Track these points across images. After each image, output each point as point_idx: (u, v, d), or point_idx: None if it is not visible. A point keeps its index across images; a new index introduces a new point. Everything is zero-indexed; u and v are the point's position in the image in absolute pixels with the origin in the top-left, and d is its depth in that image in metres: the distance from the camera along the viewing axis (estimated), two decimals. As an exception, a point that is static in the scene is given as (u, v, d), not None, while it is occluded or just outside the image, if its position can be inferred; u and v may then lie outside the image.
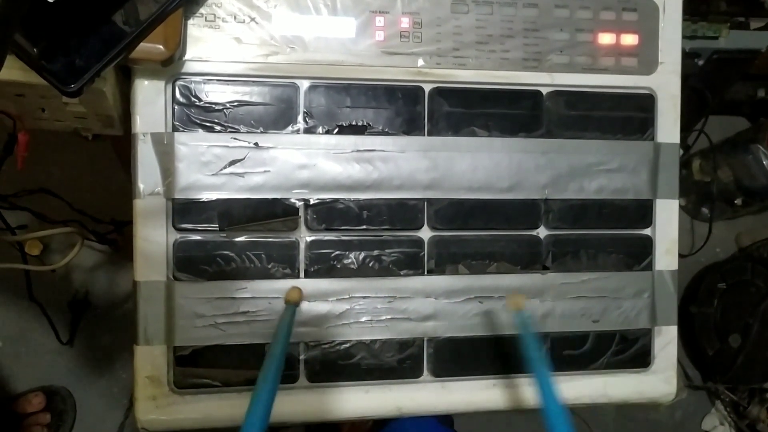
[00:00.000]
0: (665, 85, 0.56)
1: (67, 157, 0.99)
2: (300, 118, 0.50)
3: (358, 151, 0.51)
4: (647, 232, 0.56)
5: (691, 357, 1.23)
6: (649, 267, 0.56)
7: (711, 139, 1.07)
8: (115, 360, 1.03)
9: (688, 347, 1.21)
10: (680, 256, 0.57)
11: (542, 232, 0.54)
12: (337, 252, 0.51)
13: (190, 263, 0.49)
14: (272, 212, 0.50)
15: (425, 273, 0.53)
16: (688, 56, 0.90)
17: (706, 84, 0.96)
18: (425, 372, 0.53)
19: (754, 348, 1.12)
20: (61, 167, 0.99)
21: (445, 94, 0.52)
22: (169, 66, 0.47)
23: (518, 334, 0.50)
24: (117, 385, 1.03)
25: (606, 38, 0.54)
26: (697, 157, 1.19)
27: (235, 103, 0.49)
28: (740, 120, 1.23)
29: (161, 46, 0.44)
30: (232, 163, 0.49)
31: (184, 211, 0.49)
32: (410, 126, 0.52)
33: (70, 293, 1.02)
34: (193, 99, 0.49)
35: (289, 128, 0.50)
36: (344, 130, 0.51)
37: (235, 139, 0.49)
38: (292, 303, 0.49)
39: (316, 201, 0.51)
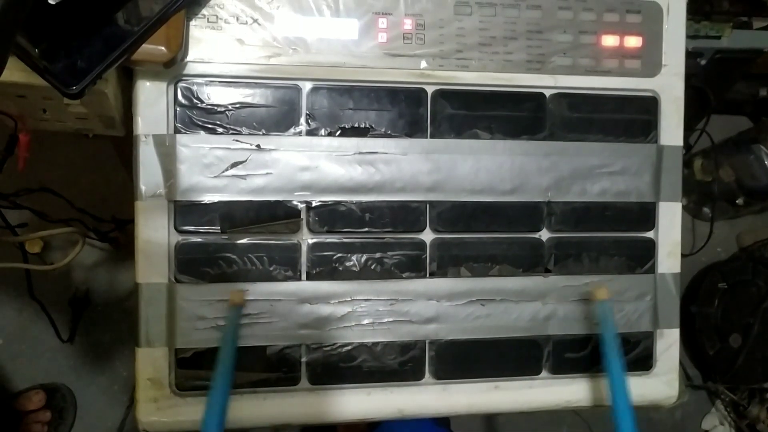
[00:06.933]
0: (669, 87, 0.55)
1: (68, 155, 0.99)
2: (302, 120, 0.50)
3: (361, 153, 0.51)
4: (650, 234, 0.56)
5: (692, 356, 1.23)
6: (652, 270, 0.56)
7: (713, 138, 1.07)
8: (115, 357, 1.04)
9: (689, 347, 1.22)
10: (681, 255, 0.57)
11: (544, 234, 0.54)
12: (339, 254, 0.51)
13: (192, 265, 0.49)
14: (274, 214, 0.50)
15: (427, 275, 0.52)
16: (690, 56, 0.90)
17: (708, 83, 0.96)
18: (427, 374, 0.53)
19: (754, 348, 1.12)
20: (62, 165, 0.99)
21: (447, 96, 0.52)
22: (171, 67, 0.46)
23: (599, 330, 0.51)
24: (117, 382, 1.03)
25: (609, 40, 0.54)
26: (699, 157, 1.19)
27: (237, 105, 0.49)
28: (742, 119, 1.23)
29: (163, 48, 0.44)
30: (234, 165, 0.49)
31: (185, 213, 0.49)
32: (413, 128, 0.52)
33: (70, 291, 1.02)
34: (195, 101, 0.49)
35: (292, 130, 0.50)
36: (347, 133, 0.51)
37: (237, 141, 0.49)
38: (237, 305, 0.49)
39: (318, 203, 0.50)
